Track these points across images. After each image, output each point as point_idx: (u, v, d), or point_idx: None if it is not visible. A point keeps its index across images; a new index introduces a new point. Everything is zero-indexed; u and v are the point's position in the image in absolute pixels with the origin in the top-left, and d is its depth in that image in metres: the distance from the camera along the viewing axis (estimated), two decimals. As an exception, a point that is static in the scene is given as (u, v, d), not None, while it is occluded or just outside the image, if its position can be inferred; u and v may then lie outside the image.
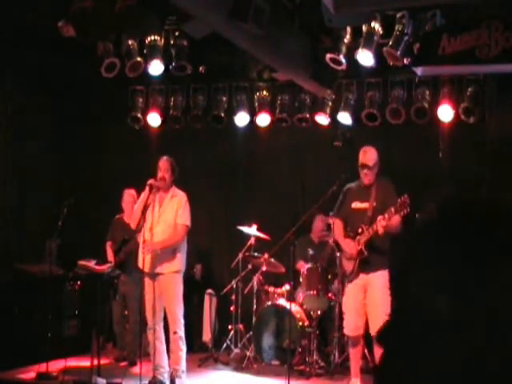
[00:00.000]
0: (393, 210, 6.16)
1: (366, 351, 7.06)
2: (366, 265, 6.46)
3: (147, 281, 6.70)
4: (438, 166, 8.27)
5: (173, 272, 6.69)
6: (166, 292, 6.68)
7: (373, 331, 6.43)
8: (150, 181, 6.65)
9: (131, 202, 8.10)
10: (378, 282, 6.29)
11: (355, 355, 6.71)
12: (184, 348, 6.74)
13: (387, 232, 6.23)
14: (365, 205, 6.52)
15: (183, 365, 6.75)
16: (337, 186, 6.87)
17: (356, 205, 6.59)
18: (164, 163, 6.76)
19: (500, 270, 1.05)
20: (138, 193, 7.11)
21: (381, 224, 6.19)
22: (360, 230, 6.43)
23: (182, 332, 6.70)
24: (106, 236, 8.28)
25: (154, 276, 6.67)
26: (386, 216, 6.18)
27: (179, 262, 6.75)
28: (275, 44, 6.81)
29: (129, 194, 8.19)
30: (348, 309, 6.70)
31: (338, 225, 6.79)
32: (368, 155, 6.61)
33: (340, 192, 6.85)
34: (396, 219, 6.23)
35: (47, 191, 9.45)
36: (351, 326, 6.64)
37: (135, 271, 7.17)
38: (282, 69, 7.96)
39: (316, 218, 8.31)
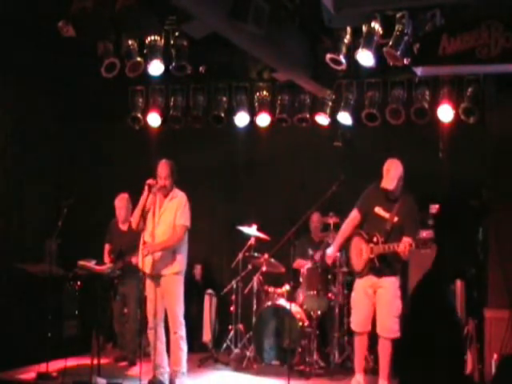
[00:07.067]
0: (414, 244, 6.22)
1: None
2: (376, 271, 6.53)
3: (148, 282, 6.71)
4: (438, 165, 8.27)
5: (173, 273, 6.68)
6: (167, 293, 6.68)
7: (379, 330, 6.48)
8: (149, 180, 6.63)
9: (123, 207, 8.08)
10: (389, 286, 6.48)
11: (360, 350, 6.71)
12: (185, 348, 6.73)
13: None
14: (386, 215, 6.54)
15: (183, 366, 6.73)
16: (336, 186, 6.88)
17: (379, 211, 6.59)
18: (163, 169, 6.67)
19: None
20: (136, 194, 7.05)
21: (407, 249, 6.22)
22: (375, 240, 6.45)
23: (182, 332, 6.69)
24: (104, 239, 8.26)
25: (154, 277, 6.68)
26: (414, 245, 6.20)
27: (180, 263, 6.74)
28: (275, 44, 6.80)
29: (121, 199, 8.15)
30: (357, 304, 6.71)
31: (353, 216, 6.78)
32: (390, 174, 6.58)
33: (339, 192, 6.88)
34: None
35: (47, 191, 9.44)
36: (359, 321, 6.65)
37: (135, 271, 7.18)
38: (281, 69, 7.96)
39: (312, 216, 8.23)
